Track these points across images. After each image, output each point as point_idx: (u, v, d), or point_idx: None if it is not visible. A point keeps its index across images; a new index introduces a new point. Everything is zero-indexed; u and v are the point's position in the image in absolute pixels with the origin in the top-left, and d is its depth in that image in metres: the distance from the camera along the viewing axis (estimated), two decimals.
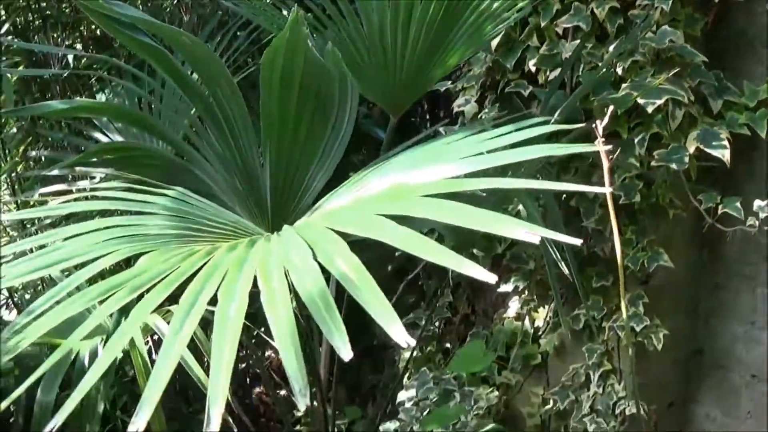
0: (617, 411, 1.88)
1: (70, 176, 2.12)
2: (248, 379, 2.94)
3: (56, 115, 2.03)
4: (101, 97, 2.29)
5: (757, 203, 1.59)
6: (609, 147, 1.17)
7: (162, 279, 0.85)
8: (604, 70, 1.68)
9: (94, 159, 1.88)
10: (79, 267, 0.94)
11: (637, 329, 1.79)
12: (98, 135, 2.14)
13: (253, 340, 2.34)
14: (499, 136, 1.13)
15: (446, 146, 1.19)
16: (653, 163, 1.63)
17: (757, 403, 1.88)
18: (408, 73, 1.57)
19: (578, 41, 1.74)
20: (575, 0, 1.73)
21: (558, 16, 1.77)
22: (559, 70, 1.79)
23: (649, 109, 1.56)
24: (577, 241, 0.76)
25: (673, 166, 1.60)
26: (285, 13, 1.66)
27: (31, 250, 1.02)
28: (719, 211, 1.64)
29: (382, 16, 1.47)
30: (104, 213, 1.27)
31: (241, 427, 1.88)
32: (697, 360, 2.00)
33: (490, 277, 0.68)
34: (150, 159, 1.81)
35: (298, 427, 2.43)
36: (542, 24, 1.79)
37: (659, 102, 1.56)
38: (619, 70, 1.69)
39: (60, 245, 1.01)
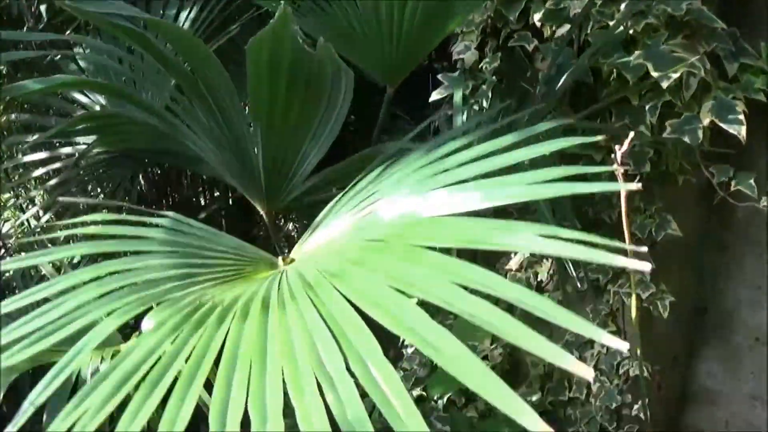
0: (621, 371, 1.90)
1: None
2: None
3: (35, 94, 1.93)
4: (78, 50, 2.18)
5: None
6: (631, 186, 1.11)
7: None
8: (616, 30, 1.60)
9: (78, 127, 1.83)
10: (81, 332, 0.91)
11: (643, 296, 1.78)
12: (79, 96, 2.06)
13: None
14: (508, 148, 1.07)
15: (453, 159, 1.12)
16: (665, 134, 1.57)
17: (759, 365, 1.89)
18: (404, 43, 1.49)
19: None
20: None
21: None
22: (565, 26, 1.70)
23: (664, 84, 1.48)
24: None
25: (686, 138, 1.54)
26: None
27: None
28: (732, 188, 1.59)
29: None
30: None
31: None
32: (702, 319, 2.00)
33: (588, 373, 0.63)
34: (134, 126, 1.76)
35: None
36: None
37: (675, 76, 1.48)
38: (631, 31, 1.60)
39: (58, 304, 0.96)
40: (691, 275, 1.94)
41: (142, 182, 2.09)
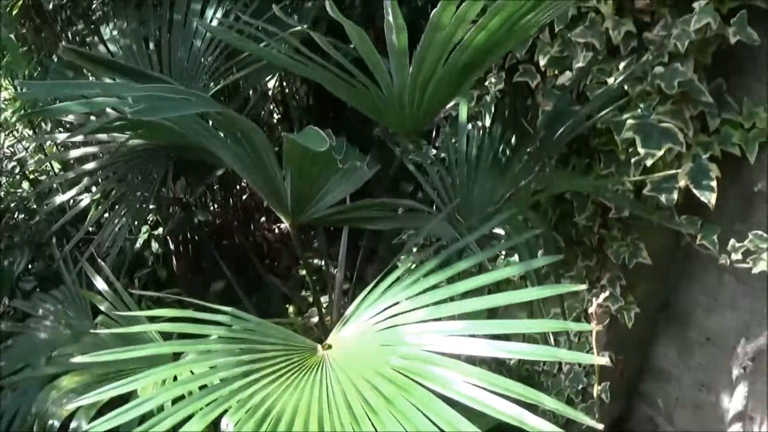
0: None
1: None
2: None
3: (76, 111, 2.10)
4: (105, 30, 2.33)
5: (732, 243, 1.82)
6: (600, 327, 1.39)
7: None
8: (612, 90, 1.81)
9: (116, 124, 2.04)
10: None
11: (613, 308, 2.10)
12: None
13: None
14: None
15: (461, 286, 1.39)
16: (645, 191, 1.82)
17: (708, 360, 2.25)
18: (418, 113, 1.69)
19: (591, 53, 1.84)
20: (591, 11, 1.81)
21: (573, 23, 1.85)
22: (567, 74, 1.91)
23: (648, 162, 1.73)
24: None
25: (662, 197, 1.80)
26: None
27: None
28: (698, 241, 1.87)
29: (404, 76, 1.57)
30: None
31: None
32: (664, 312, 2.34)
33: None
34: (165, 129, 1.97)
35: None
36: (556, 29, 1.87)
37: (659, 154, 1.72)
38: (626, 86, 1.82)
39: (144, 400, 1.27)
40: (658, 278, 2.25)
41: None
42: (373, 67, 1.46)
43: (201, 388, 1.29)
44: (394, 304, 1.41)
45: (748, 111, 1.80)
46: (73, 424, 1.69)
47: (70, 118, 2.34)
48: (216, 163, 2.26)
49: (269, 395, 1.28)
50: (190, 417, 1.23)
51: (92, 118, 2.21)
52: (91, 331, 1.96)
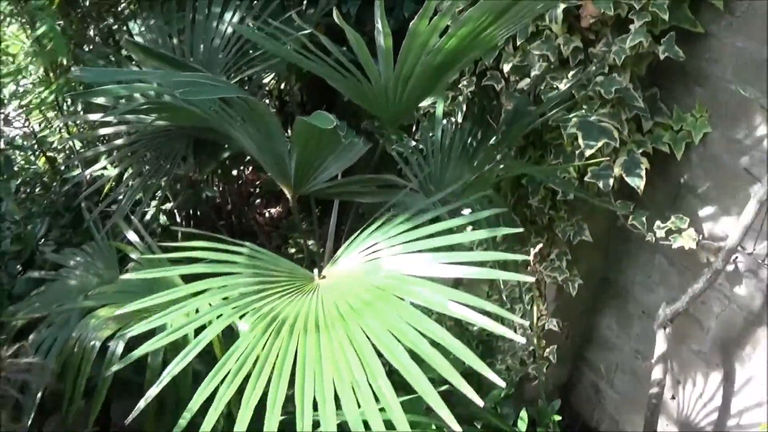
0: (539, 324, 2.70)
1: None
2: None
3: (118, 94, 2.53)
4: (132, 26, 2.79)
5: (657, 224, 2.27)
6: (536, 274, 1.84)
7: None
8: (562, 94, 2.27)
9: (144, 107, 2.48)
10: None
11: (559, 279, 2.55)
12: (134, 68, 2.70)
13: None
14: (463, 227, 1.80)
15: (426, 230, 1.84)
16: (586, 178, 2.26)
17: (643, 330, 2.70)
18: (401, 106, 2.12)
19: (545, 63, 2.30)
20: (546, 28, 2.26)
21: (532, 38, 2.30)
22: (526, 80, 2.37)
23: (587, 152, 2.17)
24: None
25: (600, 184, 2.24)
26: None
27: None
28: (629, 221, 2.32)
29: (389, 72, 2.01)
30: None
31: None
32: (605, 287, 2.80)
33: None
34: (188, 113, 2.40)
35: None
36: (518, 42, 2.32)
37: (597, 145, 2.17)
38: (573, 91, 2.27)
39: (183, 306, 1.70)
40: (599, 256, 2.70)
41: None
42: (365, 66, 1.90)
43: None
44: (374, 245, 1.86)
45: (677, 116, 2.23)
46: (111, 345, 2.12)
47: (100, 101, 2.77)
48: (229, 143, 2.70)
49: (276, 306, 1.70)
50: (217, 318, 1.67)
51: (121, 102, 2.65)
52: (122, 276, 2.39)
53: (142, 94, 2.50)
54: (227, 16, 2.72)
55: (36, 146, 3.68)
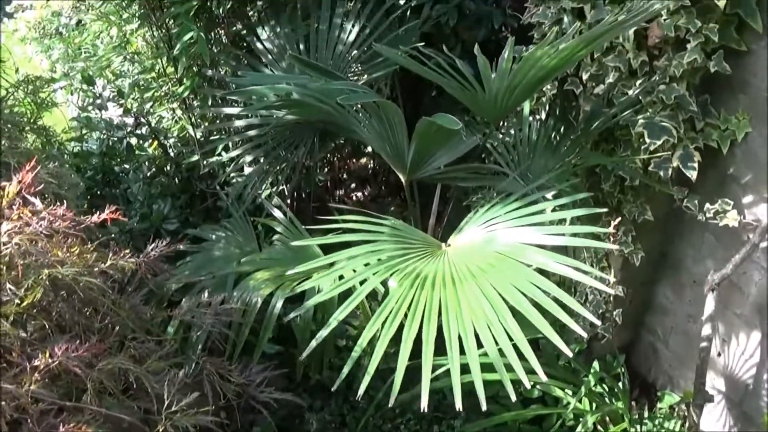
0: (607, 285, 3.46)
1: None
2: None
3: (267, 94, 3.31)
4: (261, 33, 3.59)
5: (707, 206, 3.02)
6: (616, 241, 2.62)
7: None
8: (631, 99, 3.02)
9: (276, 103, 3.26)
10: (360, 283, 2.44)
11: (625, 252, 3.31)
12: (265, 70, 3.51)
13: None
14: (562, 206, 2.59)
15: (534, 208, 2.61)
16: (650, 168, 3.02)
17: (694, 297, 3.46)
18: (505, 109, 2.85)
19: (617, 73, 3.05)
20: (619, 45, 3.02)
21: (607, 52, 3.06)
22: (601, 86, 3.13)
23: (651, 147, 2.92)
24: (603, 286, 2.30)
25: (661, 173, 2.99)
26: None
27: None
28: (684, 203, 3.08)
29: (502, 84, 2.75)
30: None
31: None
32: (663, 260, 3.57)
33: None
34: (315, 108, 3.17)
35: None
36: (595, 55, 3.09)
37: (659, 142, 2.92)
38: (640, 97, 3.01)
39: (342, 267, 2.49)
40: (658, 233, 3.45)
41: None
42: (485, 80, 2.64)
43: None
44: (490, 220, 2.64)
45: (724, 118, 2.94)
46: (272, 301, 2.90)
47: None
48: (347, 134, 3.50)
49: (416, 266, 2.46)
50: (369, 277, 2.44)
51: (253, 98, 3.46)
52: (292, 243, 3.13)
53: (276, 93, 3.27)
54: (347, 26, 3.50)
55: (152, 134, 4.45)
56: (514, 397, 2.11)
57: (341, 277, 2.58)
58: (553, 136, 3.26)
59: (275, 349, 3.39)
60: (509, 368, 2.12)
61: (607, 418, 3.34)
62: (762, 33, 2.73)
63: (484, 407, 2.07)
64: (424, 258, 2.54)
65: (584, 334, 2.17)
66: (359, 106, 3.11)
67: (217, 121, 3.99)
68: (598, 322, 2.21)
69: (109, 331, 2.33)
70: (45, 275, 2.07)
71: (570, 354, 2.16)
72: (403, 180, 3.10)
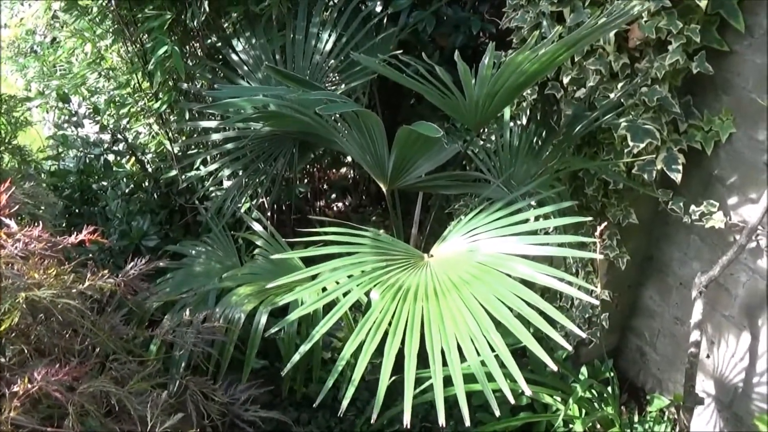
0: (593, 294, 3.40)
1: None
2: None
3: (244, 107, 3.24)
4: (237, 44, 3.51)
5: (692, 208, 2.96)
6: (601, 242, 2.55)
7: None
8: (612, 102, 2.96)
9: (254, 116, 3.18)
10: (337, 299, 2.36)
11: (611, 256, 3.25)
12: (242, 82, 3.43)
13: None
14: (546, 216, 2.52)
15: (517, 217, 2.54)
16: (633, 171, 2.96)
17: (681, 299, 3.41)
18: (487, 116, 2.79)
19: (598, 76, 2.99)
20: (600, 48, 2.96)
21: (587, 55, 2.99)
22: (582, 90, 3.07)
23: (635, 150, 2.86)
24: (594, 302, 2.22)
25: (645, 175, 2.93)
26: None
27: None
28: (669, 206, 3.02)
29: (481, 91, 2.69)
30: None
31: None
32: (648, 263, 3.50)
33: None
34: (293, 119, 3.09)
35: None
36: (576, 59, 3.02)
37: (642, 145, 2.85)
38: (622, 100, 2.96)
39: (326, 277, 2.41)
40: (643, 236, 3.40)
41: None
42: (466, 87, 2.57)
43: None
44: (473, 230, 2.56)
45: (707, 119, 2.88)
46: (257, 317, 2.82)
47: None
48: (326, 145, 3.42)
49: (399, 278, 2.38)
50: (352, 288, 2.37)
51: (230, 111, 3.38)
52: (272, 257, 3.04)
53: (253, 105, 3.19)
54: (323, 35, 3.43)
55: (129, 150, 4.37)
56: (498, 412, 2.03)
57: (324, 290, 2.52)
58: (534, 141, 3.19)
59: (260, 363, 3.34)
60: (493, 379, 2.07)
61: (598, 424, 3.27)
62: (744, 33, 2.68)
63: (467, 422, 2.00)
64: (406, 270, 2.47)
65: (569, 347, 2.10)
66: (338, 115, 3.03)
67: (195, 135, 3.91)
68: (583, 335, 2.14)
69: (90, 353, 2.30)
70: (22, 298, 2.03)
71: (555, 367, 2.12)
72: (384, 189, 3.02)
